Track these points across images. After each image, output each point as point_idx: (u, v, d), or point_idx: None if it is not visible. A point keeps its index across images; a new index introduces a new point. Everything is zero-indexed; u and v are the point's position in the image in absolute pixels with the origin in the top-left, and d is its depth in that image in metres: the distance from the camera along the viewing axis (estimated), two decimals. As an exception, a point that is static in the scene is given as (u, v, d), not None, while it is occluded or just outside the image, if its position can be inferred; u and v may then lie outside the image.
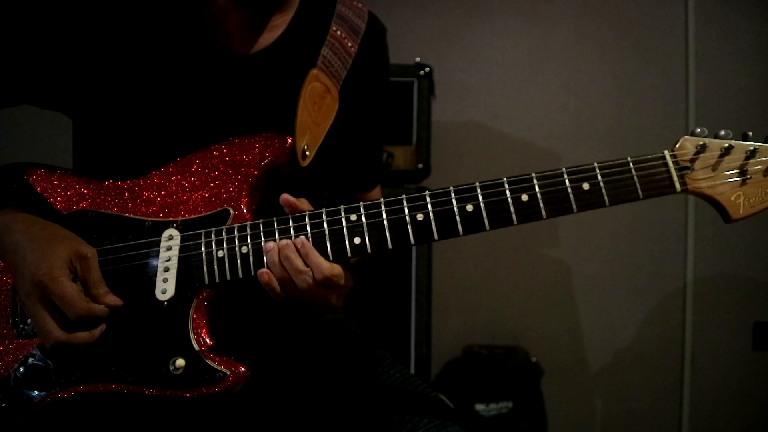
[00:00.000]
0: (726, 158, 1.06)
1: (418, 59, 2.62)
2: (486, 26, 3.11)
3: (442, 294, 2.91)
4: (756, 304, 2.98)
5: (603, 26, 3.06)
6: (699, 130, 1.07)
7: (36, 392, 1.09)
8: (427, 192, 1.08)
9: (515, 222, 1.07)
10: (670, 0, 3.02)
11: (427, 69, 2.59)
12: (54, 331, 1.06)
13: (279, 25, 1.28)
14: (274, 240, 1.08)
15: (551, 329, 3.09)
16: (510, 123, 3.08)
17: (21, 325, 1.14)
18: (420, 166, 2.59)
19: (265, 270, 1.07)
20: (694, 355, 3.02)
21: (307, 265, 1.06)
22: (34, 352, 1.11)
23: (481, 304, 3.11)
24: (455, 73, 3.06)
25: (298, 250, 1.07)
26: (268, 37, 1.27)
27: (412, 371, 2.47)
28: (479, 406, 2.72)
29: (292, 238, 1.09)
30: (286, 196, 1.10)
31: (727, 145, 1.06)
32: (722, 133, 1.07)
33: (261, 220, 1.11)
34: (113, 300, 1.10)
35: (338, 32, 1.30)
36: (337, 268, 1.07)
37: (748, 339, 2.98)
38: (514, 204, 1.07)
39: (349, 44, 1.31)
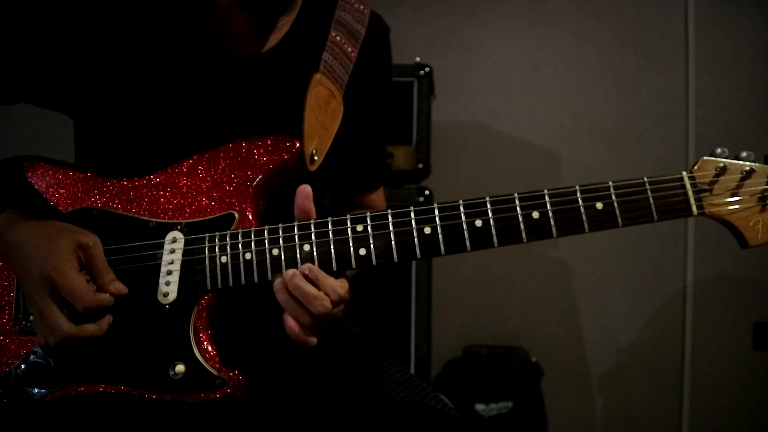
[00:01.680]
0: (747, 182, 1.02)
1: (418, 59, 2.62)
2: (486, 26, 3.11)
3: (442, 294, 2.91)
4: (756, 305, 2.98)
5: (603, 26, 3.06)
6: (719, 150, 1.03)
7: (36, 390, 1.09)
8: (435, 205, 1.07)
9: (525, 240, 1.05)
10: (670, 0, 3.02)
11: (427, 69, 2.59)
12: (63, 325, 1.06)
13: (281, 27, 1.27)
14: (280, 274, 1.07)
15: (551, 329, 3.09)
16: (510, 123, 3.08)
17: (24, 322, 1.14)
18: (420, 166, 2.58)
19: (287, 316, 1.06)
20: (694, 356, 3.02)
21: (319, 289, 1.05)
22: (35, 349, 1.11)
23: (481, 304, 3.11)
24: (455, 73, 3.06)
25: (306, 277, 1.05)
26: (271, 40, 1.26)
27: (412, 371, 2.46)
28: (479, 406, 2.72)
29: (297, 245, 1.08)
30: (307, 189, 1.09)
31: (748, 168, 1.02)
32: (744, 154, 1.03)
33: (266, 227, 1.10)
34: (119, 287, 1.09)
35: (338, 38, 1.29)
36: (345, 283, 1.07)
37: (748, 339, 2.98)
38: (524, 221, 1.04)
39: (349, 49, 1.30)
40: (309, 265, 1.06)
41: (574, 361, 3.09)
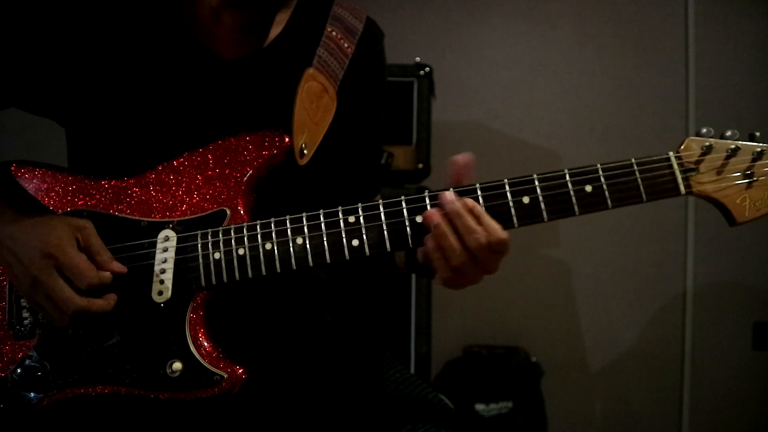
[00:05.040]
0: (732, 160, 1.03)
1: (418, 59, 2.62)
2: (486, 26, 3.11)
3: (442, 294, 2.91)
4: (756, 305, 2.98)
5: (603, 26, 3.06)
6: (705, 130, 1.05)
7: (33, 394, 1.09)
8: (426, 194, 1.07)
9: (516, 224, 1.05)
10: (670, 0, 3.02)
11: (427, 69, 2.59)
12: (74, 297, 1.05)
13: (277, 25, 1.26)
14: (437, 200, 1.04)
15: (551, 329, 3.09)
16: (510, 123, 3.08)
17: (17, 326, 1.13)
18: (420, 166, 2.59)
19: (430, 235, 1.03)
20: (694, 356, 3.02)
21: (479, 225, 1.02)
22: (31, 353, 1.11)
23: (481, 304, 3.11)
24: (455, 73, 3.06)
25: (470, 211, 1.03)
26: (263, 40, 1.25)
27: (412, 371, 2.47)
28: (479, 406, 2.72)
29: (289, 239, 1.09)
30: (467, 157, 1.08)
31: (733, 147, 1.03)
32: (728, 133, 1.05)
33: (258, 222, 1.10)
34: (118, 267, 1.09)
35: (333, 33, 1.28)
36: (506, 233, 1.03)
37: (748, 339, 2.98)
38: (515, 206, 1.05)
39: (346, 45, 1.29)
40: (473, 201, 1.03)
41: (574, 361, 3.08)
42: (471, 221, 1.02)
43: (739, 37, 2.98)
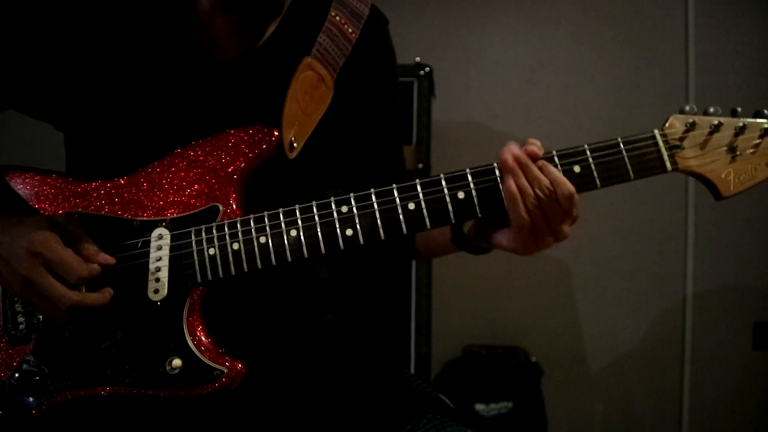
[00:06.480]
0: (715, 135, 1.05)
1: (418, 59, 2.62)
2: (486, 26, 3.11)
3: (442, 294, 2.91)
4: (756, 305, 2.97)
5: (603, 26, 3.06)
6: (688, 107, 1.07)
7: (32, 398, 1.09)
8: (417, 181, 1.08)
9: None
10: (670, 0, 3.02)
11: (427, 69, 2.59)
12: (67, 293, 1.05)
13: (268, 27, 1.25)
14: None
15: (551, 329, 3.08)
16: (510, 123, 3.08)
17: (12, 332, 1.13)
18: (420, 166, 2.58)
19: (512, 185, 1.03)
20: (694, 355, 3.01)
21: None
22: (28, 358, 1.11)
23: (481, 304, 3.11)
24: (455, 73, 3.06)
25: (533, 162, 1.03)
26: (258, 40, 1.24)
27: (412, 371, 2.46)
28: (479, 406, 2.72)
29: (283, 231, 1.08)
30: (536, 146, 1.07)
31: (716, 122, 1.05)
32: (711, 110, 1.06)
33: (251, 216, 1.10)
34: (105, 258, 1.10)
35: (337, 17, 1.26)
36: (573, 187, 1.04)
37: (748, 339, 2.97)
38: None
39: (350, 30, 1.27)
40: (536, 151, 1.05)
41: (574, 361, 3.08)
42: (536, 170, 1.03)
43: (739, 37, 2.98)
